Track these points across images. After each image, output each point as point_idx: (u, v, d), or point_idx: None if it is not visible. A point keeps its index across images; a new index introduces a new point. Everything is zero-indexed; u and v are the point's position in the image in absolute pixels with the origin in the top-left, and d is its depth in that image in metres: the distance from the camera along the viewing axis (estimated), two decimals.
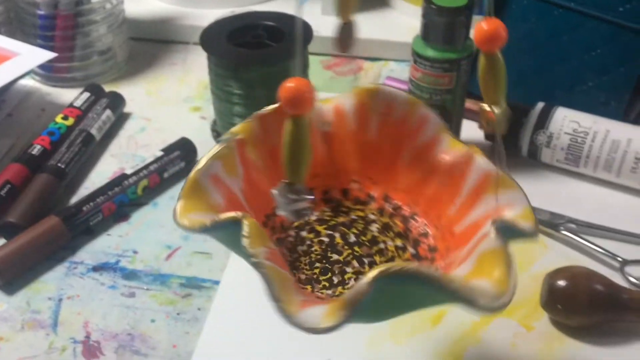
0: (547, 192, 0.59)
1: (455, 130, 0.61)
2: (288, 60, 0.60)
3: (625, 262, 0.52)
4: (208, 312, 0.50)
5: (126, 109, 0.71)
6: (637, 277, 0.51)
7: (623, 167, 0.57)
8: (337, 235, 0.47)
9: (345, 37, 0.43)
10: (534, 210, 0.39)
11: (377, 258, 0.46)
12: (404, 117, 0.46)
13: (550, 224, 0.55)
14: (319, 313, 0.33)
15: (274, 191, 0.37)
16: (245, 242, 0.35)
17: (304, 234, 0.47)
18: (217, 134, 0.67)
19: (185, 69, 0.77)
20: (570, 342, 0.47)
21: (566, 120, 0.59)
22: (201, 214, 0.38)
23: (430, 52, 0.57)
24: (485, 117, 0.37)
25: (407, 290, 0.34)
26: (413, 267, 0.33)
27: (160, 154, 0.61)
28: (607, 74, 0.62)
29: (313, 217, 0.47)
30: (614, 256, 0.52)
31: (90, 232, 0.57)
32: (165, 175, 0.61)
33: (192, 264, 0.54)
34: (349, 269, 0.45)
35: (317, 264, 0.45)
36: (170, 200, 0.60)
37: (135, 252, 0.55)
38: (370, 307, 0.33)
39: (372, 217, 0.47)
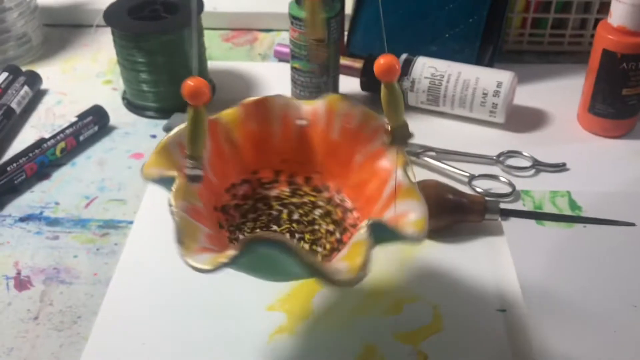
0: (414, 129, 0.68)
1: (333, 84, 0.71)
2: (182, 29, 0.69)
3: (473, 177, 0.62)
4: (124, 246, 0.58)
5: (43, 86, 0.78)
6: (482, 188, 0.62)
7: (474, 102, 0.68)
8: (285, 211, 0.54)
9: (318, 52, 0.51)
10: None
11: (307, 235, 0.52)
12: (359, 126, 0.51)
13: (412, 153, 0.65)
14: (205, 258, 0.40)
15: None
16: (170, 195, 0.43)
17: (259, 205, 0.54)
18: (127, 101, 0.75)
19: (96, 48, 0.85)
20: (427, 242, 0.57)
21: (425, 67, 0.69)
22: (161, 169, 0.45)
23: (303, 14, 0.66)
24: (387, 133, 0.44)
25: (273, 257, 0.39)
26: (279, 236, 0.38)
27: (75, 119, 0.69)
28: (459, 25, 0.73)
29: (274, 194, 0.54)
30: (463, 173, 0.63)
31: (15, 190, 0.64)
32: (81, 138, 0.69)
33: (109, 210, 0.62)
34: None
35: (257, 230, 0.52)
36: (87, 160, 0.68)
37: (57, 203, 0.63)
38: (244, 263, 0.40)
39: (320, 203, 0.54)
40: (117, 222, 0.61)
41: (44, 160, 0.66)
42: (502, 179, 0.62)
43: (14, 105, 0.71)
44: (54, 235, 0.60)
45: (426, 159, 0.65)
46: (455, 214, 0.57)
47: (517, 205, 0.61)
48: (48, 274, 0.56)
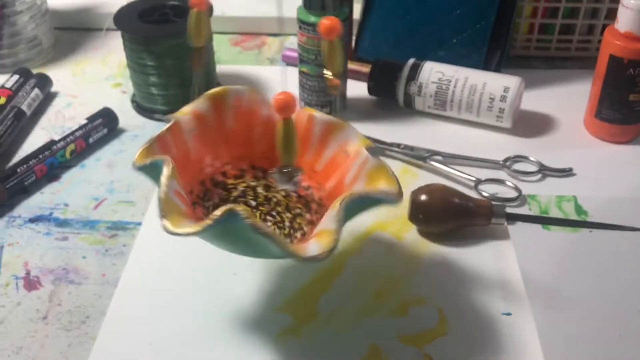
0: (421, 133, 0.70)
1: (343, 87, 0.71)
2: None
3: (479, 181, 0.63)
4: (132, 247, 0.59)
5: (53, 89, 0.79)
6: (488, 192, 0.62)
7: (481, 107, 0.68)
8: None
9: (198, 59, 0.54)
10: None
11: (279, 209, 0.56)
12: (249, 104, 0.56)
13: (419, 157, 0.65)
14: (316, 246, 0.43)
15: (274, 173, 0.50)
16: (250, 221, 0.41)
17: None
18: (136, 104, 0.76)
19: (106, 51, 0.86)
20: (433, 246, 0.58)
21: (433, 71, 0.70)
22: (184, 221, 0.45)
23: (311, 18, 0.66)
24: (330, 83, 0.52)
25: (354, 208, 0.47)
26: (358, 191, 0.46)
27: (85, 122, 0.69)
28: (467, 30, 0.73)
29: (216, 200, 0.56)
30: (469, 177, 0.63)
31: (25, 192, 0.64)
32: (91, 140, 0.69)
33: (117, 211, 0.63)
34: (269, 224, 0.55)
35: None
36: (96, 162, 0.69)
37: (66, 204, 0.63)
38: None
39: (253, 184, 0.57)
40: (126, 223, 0.61)
41: (54, 162, 0.66)
42: (508, 183, 0.63)
43: (24, 107, 0.72)
44: (63, 236, 0.60)
45: (433, 163, 0.65)
46: (462, 218, 0.57)
47: (524, 210, 0.61)
48: (57, 275, 0.56)
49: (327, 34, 0.48)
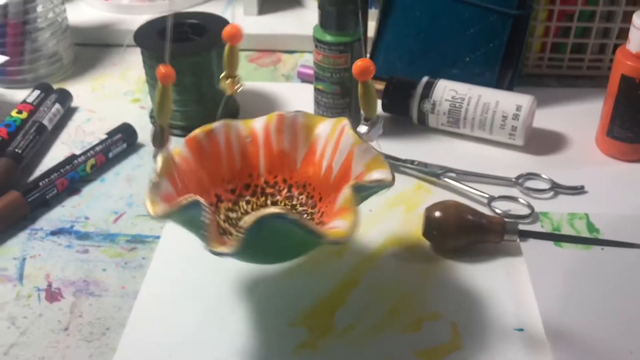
0: (434, 150, 0.71)
1: (356, 104, 0.72)
2: (210, 51, 0.71)
3: (492, 198, 0.64)
4: (151, 260, 0.60)
5: (73, 104, 0.80)
6: (501, 209, 0.63)
7: (494, 124, 0.69)
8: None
9: (166, 137, 0.57)
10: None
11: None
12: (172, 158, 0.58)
13: (433, 173, 0.67)
14: (343, 224, 0.47)
15: (359, 129, 0.54)
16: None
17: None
18: (154, 119, 0.77)
19: (124, 67, 0.87)
20: (447, 262, 0.59)
21: (446, 90, 0.71)
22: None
23: (327, 37, 0.68)
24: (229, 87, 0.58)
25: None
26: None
27: (104, 137, 0.71)
28: (480, 49, 0.74)
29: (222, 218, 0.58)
30: (482, 194, 0.64)
31: (47, 205, 0.66)
32: (110, 155, 0.71)
33: (137, 225, 0.64)
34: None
35: None
36: (116, 176, 0.70)
37: (87, 218, 0.65)
38: None
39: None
40: (145, 236, 0.62)
41: (75, 176, 0.68)
42: (521, 200, 0.64)
43: (45, 122, 0.74)
44: (84, 249, 0.61)
45: (446, 179, 0.66)
46: (475, 235, 0.58)
47: (536, 227, 0.62)
48: (78, 287, 0.58)
49: (229, 40, 0.56)
